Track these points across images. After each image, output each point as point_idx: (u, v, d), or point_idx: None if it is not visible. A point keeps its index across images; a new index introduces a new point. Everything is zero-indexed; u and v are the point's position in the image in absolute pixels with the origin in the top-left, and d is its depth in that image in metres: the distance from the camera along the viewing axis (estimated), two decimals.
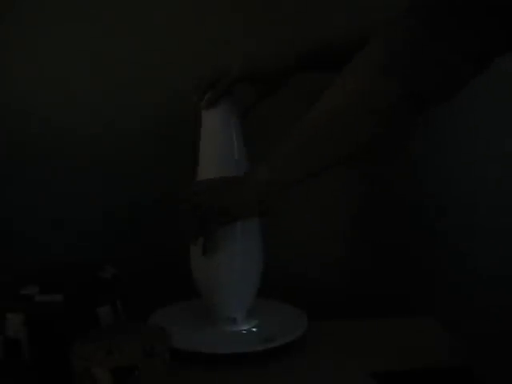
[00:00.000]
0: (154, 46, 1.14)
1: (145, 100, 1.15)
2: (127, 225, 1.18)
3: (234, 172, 0.96)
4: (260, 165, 0.89)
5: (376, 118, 0.81)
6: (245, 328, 1.02)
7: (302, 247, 1.20)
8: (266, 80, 0.99)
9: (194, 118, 1.02)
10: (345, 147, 0.84)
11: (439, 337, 1.05)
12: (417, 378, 0.93)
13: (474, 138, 1.21)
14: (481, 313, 1.22)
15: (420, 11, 0.76)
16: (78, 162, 1.16)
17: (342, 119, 0.82)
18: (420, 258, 1.23)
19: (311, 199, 1.20)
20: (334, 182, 1.19)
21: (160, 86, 1.15)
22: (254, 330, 1.02)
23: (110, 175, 1.16)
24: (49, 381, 0.87)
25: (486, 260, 1.23)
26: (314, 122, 0.84)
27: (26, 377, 0.88)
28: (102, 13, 1.13)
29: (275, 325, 1.02)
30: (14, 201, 1.16)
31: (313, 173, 0.87)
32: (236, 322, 1.01)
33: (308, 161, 0.86)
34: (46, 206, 1.16)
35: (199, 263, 0.99)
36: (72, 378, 0.78)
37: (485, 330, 1.21)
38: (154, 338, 0.80)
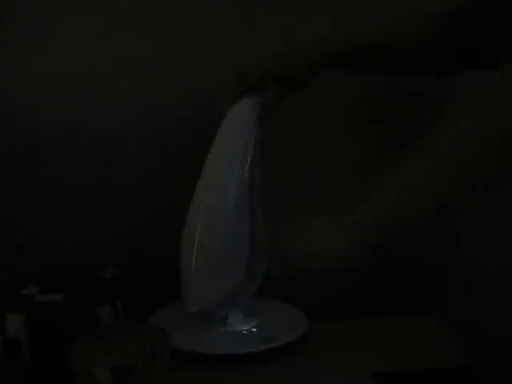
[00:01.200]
0: (156, 47, 1.14)
1: (146, 100, 1.15)
2: (127, 225, 1.18)
3: (238, 172, 0.95)
4: None
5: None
6: (245, 328, 1.02)
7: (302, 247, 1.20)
8: (291, 79, 0.99)
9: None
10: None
11: (439, 337, 1.05)
12: (417, 378, 0.93)
13: None
14: (481, 313, 1.22)
15: None
16: (79, 162, 1.16)
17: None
18: (420, 259, 1.23)
19: (312, 199, 1.20)
20: (335, 182, 1.19)
21: (162, 87, 1.15)
22: (253, 330, 1.02)
23: (110, 175, 1.16)
24: (49, 381, 0.87)
25: (487, 260, 1.23)
26: None
27: (25, 377, 0.88)
28: (102, 12, 1.13)
29: (275, 325, 1.02)
30: (14, 201, 1.16)
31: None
32: (228, 321, 1.01)
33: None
34: (46, 206, 1.16)
35: (182, 254, 0.98)
36: (72, 377, 0.78)
37: (485, 330, 1.20)
38: (154, 338, 0.80)
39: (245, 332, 1.01)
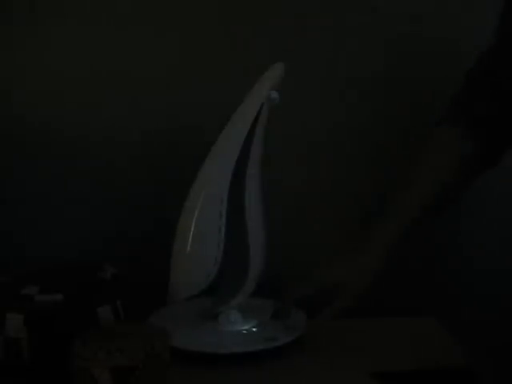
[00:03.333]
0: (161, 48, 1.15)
1: (148, 100, 1.16)
2: (127, 225, 1.18)
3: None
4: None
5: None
6: (245, 328, 1.02)
7: (302, 247, 1.20)
8: None
9: None
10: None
11: (439, 337, 1.05)
12: (417, 378, 0.93)
13: None
14: (481, 313, 1.22)
15: None
16: (79, 162, 1.16)
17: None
18: (420, 259, 1.22)
19: (314, 199, 1.20)
20: (336, 183, 1.19)
21: (163, 90, 1.15)
22: (254, 329, 1.02)
23: (111, 175, 1.16)
24: (49, 381, 0.87)
25: (487, 260, 1.23)
26: None
27: (26, 377, 0.88)
28: (103, 15, 1.13)
29: (275, 325, 1.02)
30: (14, 201, 1.16)
31: None
32: (219, 319, 1.01)
33: None
34: (45, 206, 1.16)
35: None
36: (72, 377, 0.78)
37: (485, 330, 1.20)
38: (154, 338, 0.80)
39: (245, 332, 1.01)
